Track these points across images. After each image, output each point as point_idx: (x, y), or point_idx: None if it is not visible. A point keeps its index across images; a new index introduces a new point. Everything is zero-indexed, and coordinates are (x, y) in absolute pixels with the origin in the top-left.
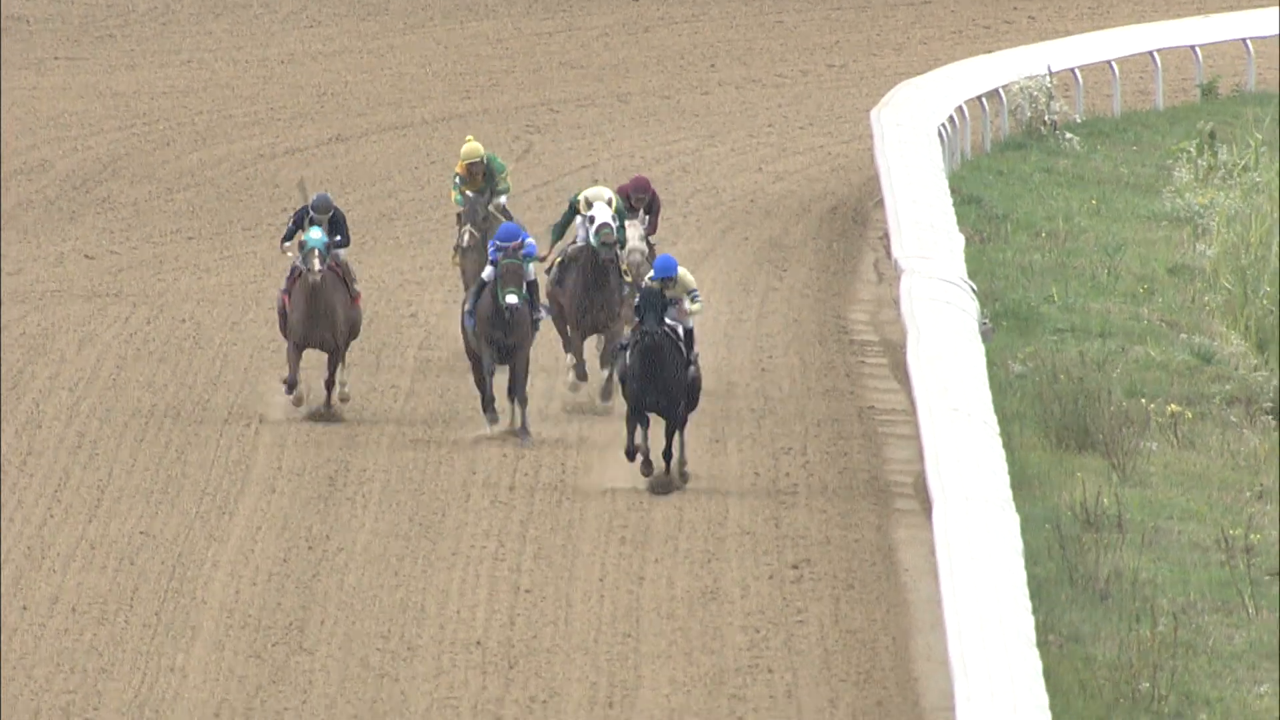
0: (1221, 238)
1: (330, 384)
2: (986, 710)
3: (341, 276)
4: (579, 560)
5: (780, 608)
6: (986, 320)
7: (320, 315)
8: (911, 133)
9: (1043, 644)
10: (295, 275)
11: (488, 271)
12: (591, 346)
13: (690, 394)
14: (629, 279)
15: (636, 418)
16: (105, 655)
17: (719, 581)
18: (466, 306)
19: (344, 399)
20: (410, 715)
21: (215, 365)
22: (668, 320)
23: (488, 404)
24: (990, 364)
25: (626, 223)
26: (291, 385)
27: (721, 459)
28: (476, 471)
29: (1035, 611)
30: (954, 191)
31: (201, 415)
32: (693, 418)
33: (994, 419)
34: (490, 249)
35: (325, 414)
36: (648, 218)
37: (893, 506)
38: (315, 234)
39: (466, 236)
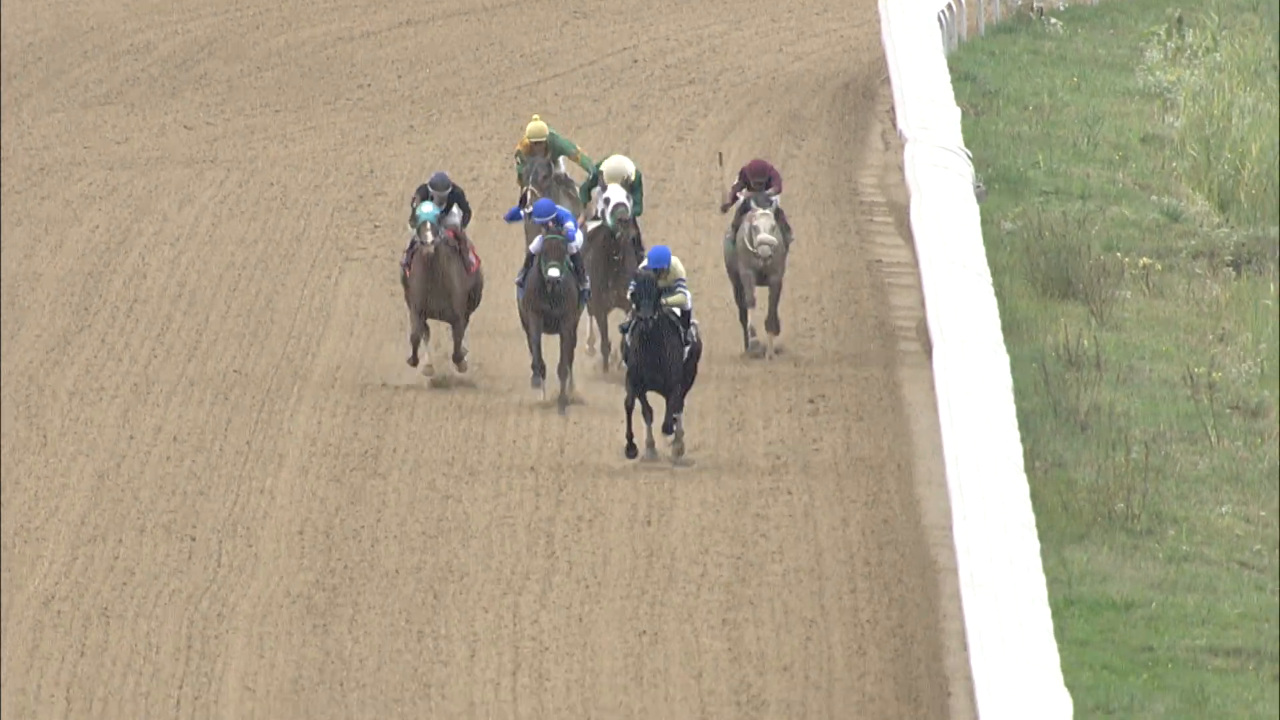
0: (1187, 111)
1: (457, 357)
2: (980, 527)
3: (458, 247)
4: (620, 398)
5: (798, 437)
6: (980, 184)
7: (437, 285)
8: (914, 18)
9: (1030, 469)
10: (414, 246)
11: (535, 244)
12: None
13: (687, 373)
14: (762, 264)
15: (635, 397)
16: (202, 479)
17: (744, 414)
18: (517, 278)
19: (463, 369)
20: (471, 532)
21: (300, 223)
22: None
23: (538, 368)
24: (984, 222)
25: (760, 212)
26: (414, 343)
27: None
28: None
29: (1023, 440)
30: (951, 70)
31: (287, 267)
32: (724, 293)
33: (987, 271)
34: (514, 210)
35: (452, 380)
36: (775, 198)
37: (897, 348)
38: (426, 207)
39: (529, 195)
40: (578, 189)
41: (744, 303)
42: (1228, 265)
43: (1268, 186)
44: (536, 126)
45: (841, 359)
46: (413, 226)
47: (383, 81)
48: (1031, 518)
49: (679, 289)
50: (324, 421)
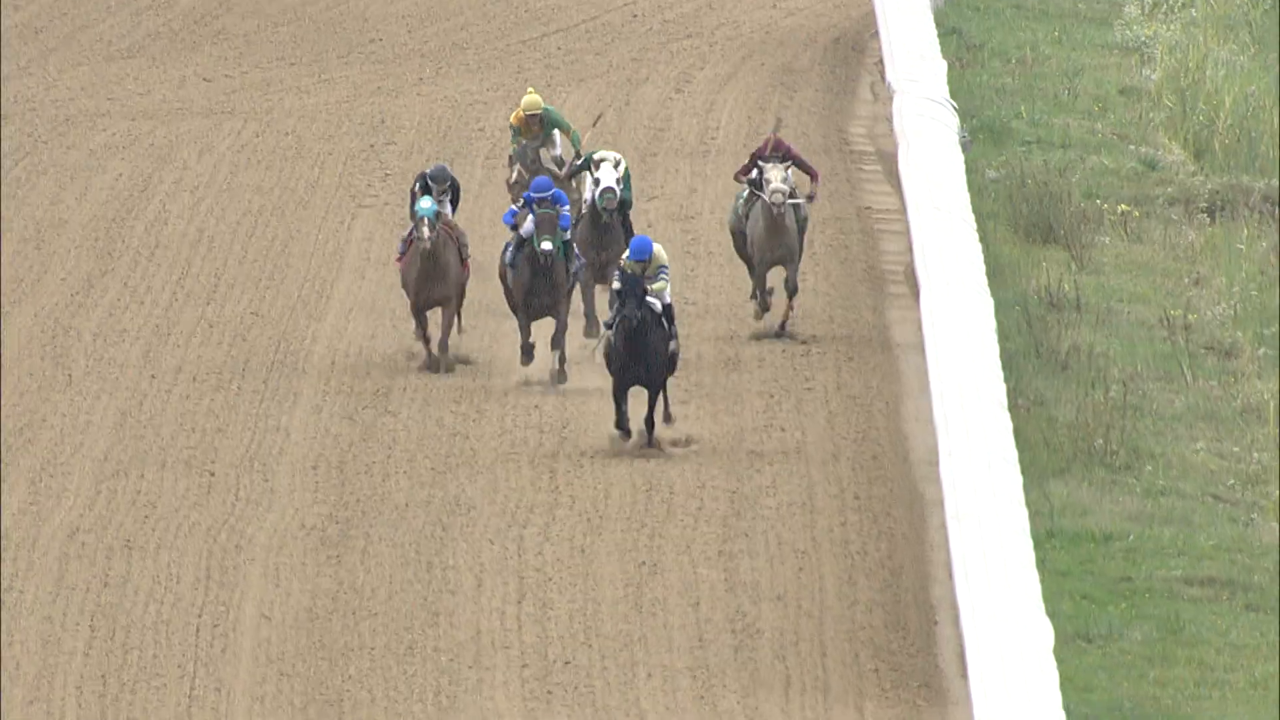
0: (1164, 64)
1: (444, 346)
2: (965, 462)
3: (454, 239)
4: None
5: (791, 376)
6: (965, 134)
7: (435, 274)
8: None
9: (1013, 407)
10: (409, 240)
11: (526, 226)
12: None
13: (670, 365)
14: (777, 212)
15: (621, 391)
16: (221, 417)
17: (740, 353)
18: (507, 258)
19: (459, 362)
20: (478, 467)
21: (313, 171)
22: (648, 299)
23: (526, 350)
24: (969, 171)
25: (769, 166)
26: (425, 340)
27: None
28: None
29: (1006, 379)
30: (938, 25)
31: (302, 214)
32: (720, 239)
33: (972, 217)
34: (511, 211)
35: (444, 366)
36: (789, 163)
37: (886, 291)
38: (425, 203)
39: (515, 174)
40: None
41: (759, 293)
42: (1202, 212)
43: (1241, 137)
44: (531, 100)
45: (833, 301)
46: (412, 218)
47: (393, 36)
48: (1014, 453)
49: (661, 276)
50: (337, 361)
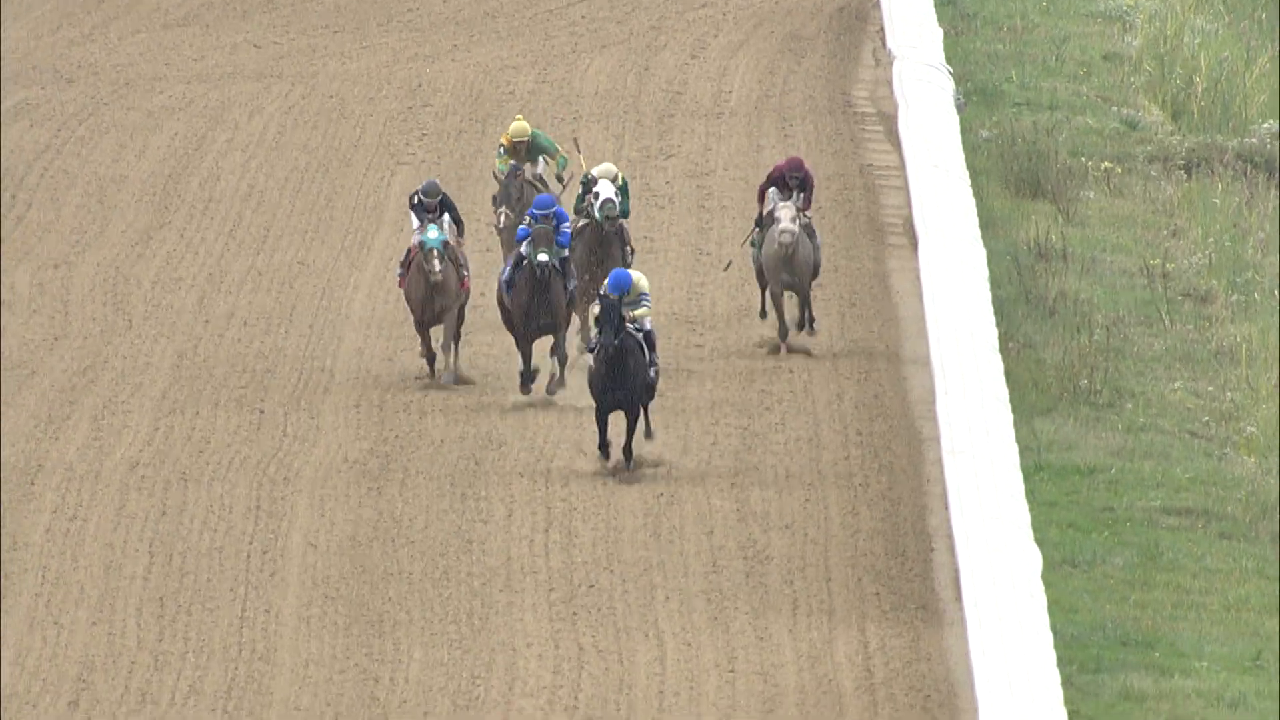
0: (1144, 31)
1: (445, 347)
2: (960, 401)
3: (454, 262)
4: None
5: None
6: (960, 96)
7: (438, 298)
8: None
9: (1004, 350)
10: (409, 260)
11: (525, 247)
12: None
13: (648, 391)
14: (786, 253)
15: (602, 415)
16: (270, 359)
17: (750, 301)
18: (504, 277)
19: (461, 383)
20: (509, 406)
21: (355, 131)
22: (630, 327)
23: (526, 376)
24: (963, 130)
25: (780, 204)
26: (430, 359)
27: (753, 204)
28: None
29: (998, 324)
30: None
31: (345, 171)
32: (732, 194)
33: (966, 173)
34: (523, 230)
35: (449, 366)
36: (802, 195)
37: (887, 242)
38: (432, 233)
39: (503, 218)
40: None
41: (777, 319)
42: (1180, 169)
43: (1215, 99)
44: (519, 126)
45: (836, 252)
46: (419, 248)
47: (429, 5)
48: (1005, 393)
49: (643, 303)
50: (377, 309)
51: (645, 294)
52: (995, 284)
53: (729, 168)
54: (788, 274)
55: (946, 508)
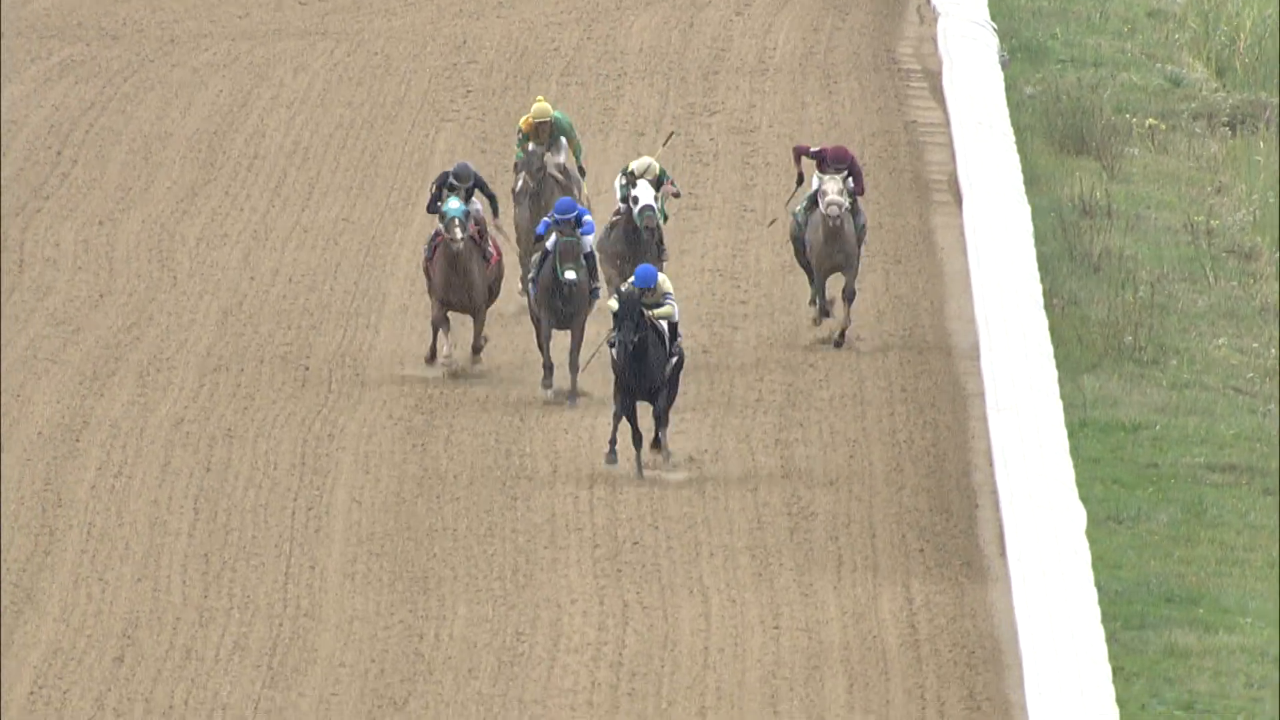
0: None
1: (476, 349)
2: (1005, 358)
3: (479, 241)
4: (693, 237)
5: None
6: (1004, 53)
7: (459, 279)
8: None
9: (1049, 306)
10: (436, 240)
11: (551, 241)
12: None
13: (672, 384)
14: (832, 224)
15: (623, 409)
16: (315, 315)
17: (794, 260)
18: (530, 274)
19: (478, 361)
20: (554, 365)
21: (400, 88)
22: (654, 319)
23: (547, 369)
24: (1007, 87)
25: (826, 177)
26: (435, 328)
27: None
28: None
29: (1043, 280)
30: None
31: (389, 127)
32: (776, 150)
33: (1010, 130)
34: (544, 224)
35: (468, 372)
36: (850, 177)
37: (931, 199)
38: (454, 204)
39: (521, 182)
40: (571, 177)
41: (819, 298)
42: (1224, 125)
43: (1259, 56)
44: (541, 107)
45: (881, 209)
46: (439, 220)
47: None
48: (1050, 349)
49: (667, 302)
50: (422, 264)
51: (669, 294)
52: (1040, 240)
53: (773, 124)
54: (833, 250)
55: (991, 464)
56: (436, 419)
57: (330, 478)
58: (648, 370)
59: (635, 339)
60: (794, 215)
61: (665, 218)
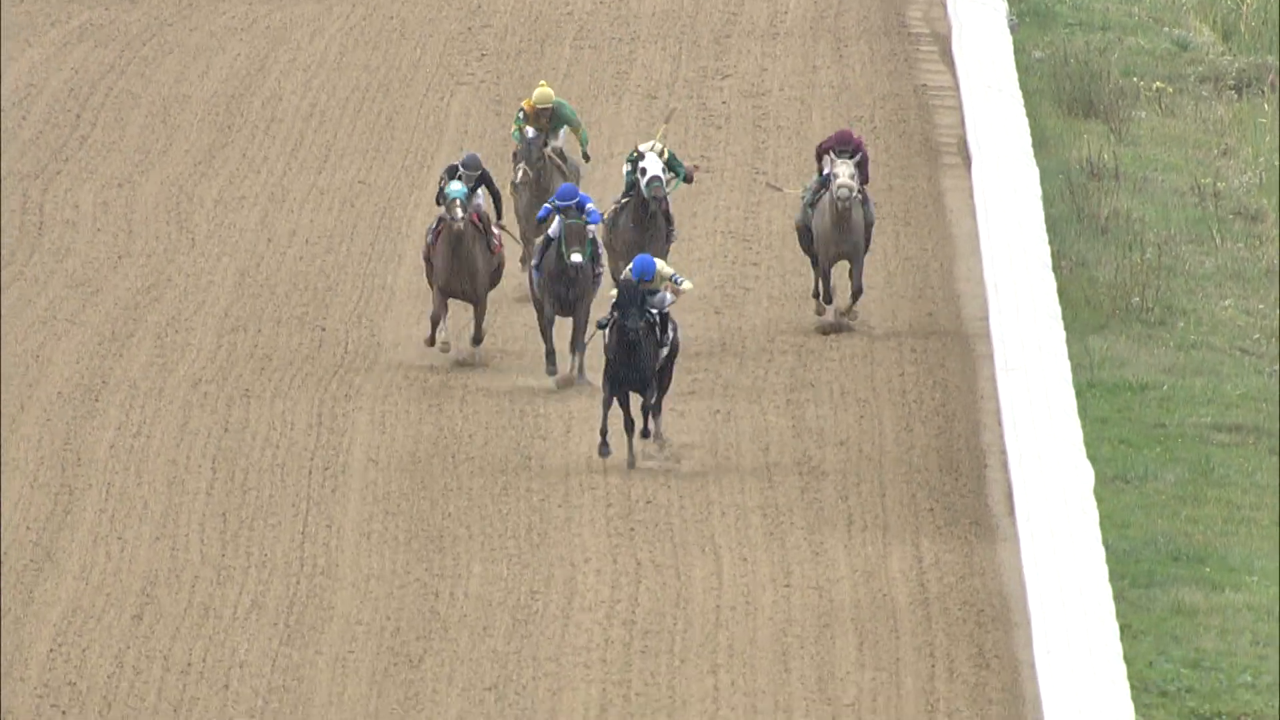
0: None
1: (477, 339)
2: (1013, 319)
3: (482, 229)
4: (705, 200)
5: None
6: (1013, 17)
7: (461, 266)
8: None
9: (1057, 268)
10: (439, 227)
11: (554, 228)
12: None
13: (664, 375)
14: (842, 207)
15: (612, 395)
16: (331, 277)
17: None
18: (534, 261)
19: (477, 347)
20: (566, 326)
21: (416, 52)
22: (649, 306)
23: (550, 354)
24: (1016, 51)
25: (838, 161)
26: (434, 323)
27: (808, 124)
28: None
29: (1051, 242)
30: None
31: (405, 90)
32: (787, 114)
33: (1019, 94)
34: (545, 208)
35: (470, 361)
36: (858, 158)
37: (940, 161)
38: (455, 185)
39: (520, 173)
40: (571, 163)
41: (823, 286)
42: (1230, 89)
43: (1265, 20)
44: (543, 93)
45: (891, 171)
46: (439, 204)
47: None
48: (1058, 310)
49: (676, 281)
50: None
51: (675, 274)
52: (1048, 203)
53: (784, 88)
54: (841, 237)
55: (1000, 424)
56: (451, 379)
57: (347, 437)
58: (639, 361)
59: (639, 327)
60: (801, 204)
61: (687, 176)
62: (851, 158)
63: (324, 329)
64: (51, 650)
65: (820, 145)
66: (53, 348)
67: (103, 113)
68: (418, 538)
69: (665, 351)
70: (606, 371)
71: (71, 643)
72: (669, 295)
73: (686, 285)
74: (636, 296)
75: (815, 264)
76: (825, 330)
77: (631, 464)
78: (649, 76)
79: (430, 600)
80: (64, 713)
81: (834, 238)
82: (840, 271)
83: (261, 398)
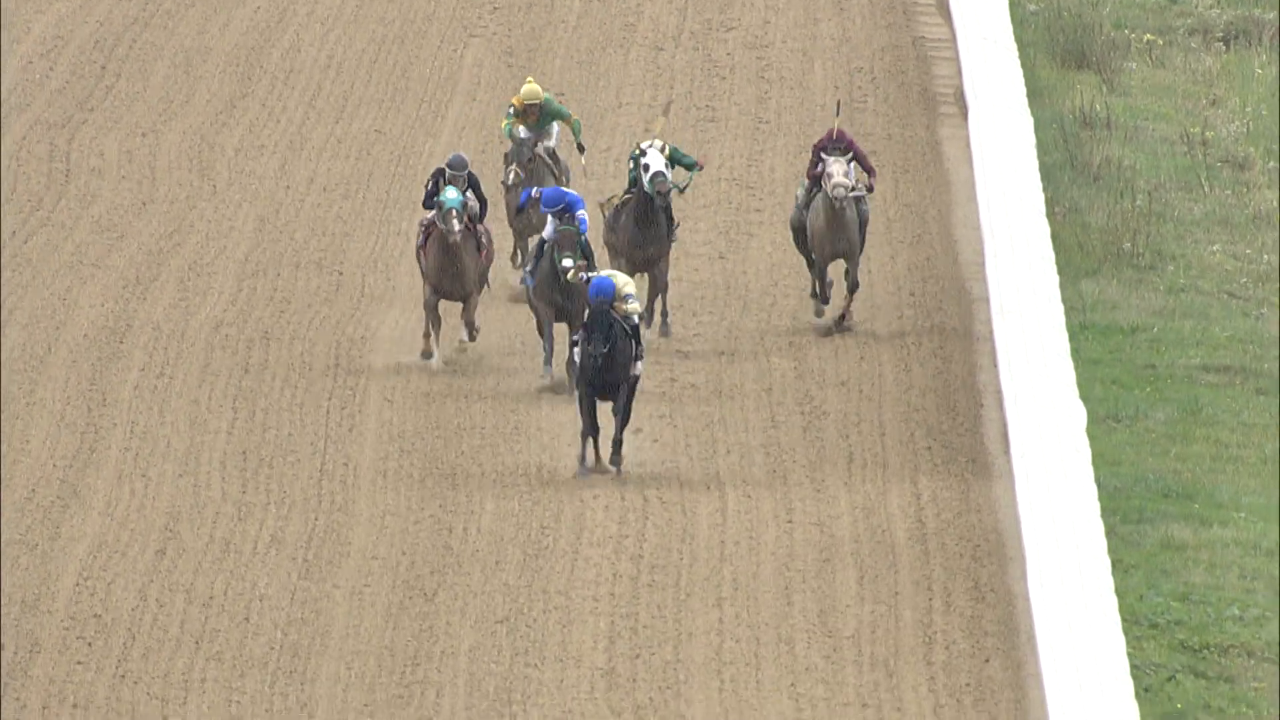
0: None
1: (470, 324)
2: (1008, 263)
3: (471, 229)
4: (710, 148)
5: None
6: None
7: (452, 268)
8: None
9: (1050, 214)
10: (429, 229)
11: (547, 232)
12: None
13: (631, 386)
14: (838, 205)
15: (587, 402)
16: (348, 222)
17: (802, 170)
18: (527, 268)
19: (473, 339)
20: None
21: (430, 4)
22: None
23: (548, 356)
24: (1011, 4)
25: (831, 159)
26: (428, 311)
27: (810, 75)
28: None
29: (1045, 189)
30: None
31: (420, 42)
32: (789, 64)
33: (1014, 45)
34: (525, 193)
35: (464, 348)
36: (851, 155)
37: (938, 111)
38: (451, 194)
39: (512, 175)
40: (562, 164)
41: (819, 285)
42: (1219, 41)
43: None
44: (531, 89)
45: (890, 121)
46: (427, 207)
47: None
48: (1052, 255)
49: (630, 300)
50: None
51: (631, 294)
52: (1042, 151)
53: (787, 40)
54: (835, 235)
55: (995, 365)
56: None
57: (363, 378)
58: (614, 366)
59: (605, 350)
60: (795, 202)
61: (690, 175)
62: (843, 155)
63: (341, 273)
64: (78, 584)
65: (815, 145)
66: (79, 291)
67: (127, 64)
68: (431, 475)
69: (639, 366)
70: (580, 377)
71: (97, 576)
72: (637, 305)
73: (633, 306)
74: (605, 322)
75: (811, 263)
76: (823, 332)
77: (595, 465)
78: (656, 29)
79: (444, 536)
80: (90, 644)
81: (829, 236)
82: (838, 271)
83: (280, 340)
